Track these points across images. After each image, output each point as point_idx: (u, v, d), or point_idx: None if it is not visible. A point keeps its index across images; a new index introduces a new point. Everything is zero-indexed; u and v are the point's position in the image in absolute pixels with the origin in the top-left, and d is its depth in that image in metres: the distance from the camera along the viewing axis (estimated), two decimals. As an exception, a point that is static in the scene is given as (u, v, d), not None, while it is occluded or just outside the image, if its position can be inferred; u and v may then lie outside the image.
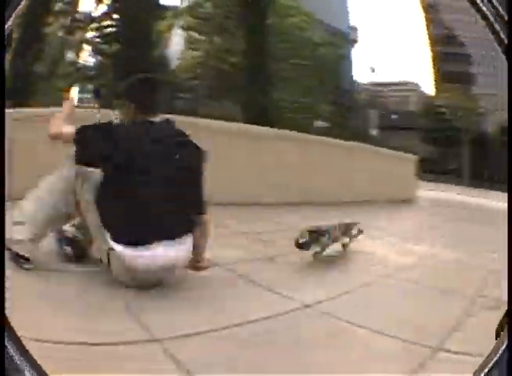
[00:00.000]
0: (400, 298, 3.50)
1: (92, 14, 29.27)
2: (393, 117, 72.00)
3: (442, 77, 63.12)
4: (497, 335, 1.44)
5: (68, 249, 3.25)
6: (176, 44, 40.73)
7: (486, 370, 1.33)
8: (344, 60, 53.26)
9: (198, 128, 7.23)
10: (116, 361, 1.85)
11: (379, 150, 13.73)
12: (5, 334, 1.29)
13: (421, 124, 53.80)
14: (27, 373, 1.28)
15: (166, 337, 2.17)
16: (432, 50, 68.52)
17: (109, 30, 29.02)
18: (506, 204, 1.58)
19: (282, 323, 2.59)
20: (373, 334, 2.53)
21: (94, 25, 29.56)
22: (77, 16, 28.40)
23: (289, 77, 40.24)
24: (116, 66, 26.80)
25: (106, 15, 28.86)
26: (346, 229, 4.76)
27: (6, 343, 1.27)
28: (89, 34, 30.24)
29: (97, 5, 28.94)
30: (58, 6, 27.34)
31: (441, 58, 67.09)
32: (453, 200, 15.90)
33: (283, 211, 7.40)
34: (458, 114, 29.39)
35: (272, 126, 13.21)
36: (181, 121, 3.54)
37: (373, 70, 35.16)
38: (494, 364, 1.33)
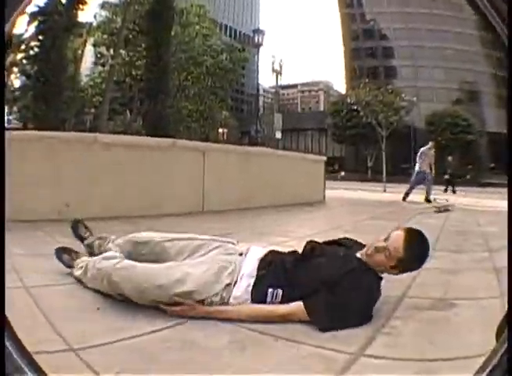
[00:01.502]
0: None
1: (23, 36, 29.16)
2: (302, 118, 73.12)
3: (358, 73, 64.33)
4: (497, 337, 1.38)
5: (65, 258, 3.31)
6: (88, 61, 41.24)
7: (486, 373, 1.28)
8: (249, 64, 53.68)
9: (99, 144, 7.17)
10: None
11: (286, 153, 13.67)
12: (5, 333, 1.29)
13: (332, 124, 54.37)
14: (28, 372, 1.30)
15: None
16: (348, 46, 69.84)
17: (34, 51, 28.83)
18: (506, 206, 1.46)
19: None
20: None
21: (23, 47, 29.56)
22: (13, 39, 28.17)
23: (189, 86, 40.56)
24: (34, 87, 27.21)
25: (35, 36, 28.44)
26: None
27: (6, 343, 1.28)
28: (18, 56, 30.33)
29: (27, 26, 28.58)
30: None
31: (358, 54, 68.54)
32: (363, 199, 15.72)
33: (184, 221, 7.10)
34: (375, 110, 29.68)
35: (173, 136, 12.77)
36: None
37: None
38: (494, 366, 1.27)
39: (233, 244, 3.03)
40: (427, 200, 14.24)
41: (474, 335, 2.41)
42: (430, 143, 15.65)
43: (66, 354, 2.05)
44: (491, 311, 2.79)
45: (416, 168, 15.06)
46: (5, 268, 1.42)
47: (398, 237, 2.69)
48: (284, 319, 2.50)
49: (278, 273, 2.67)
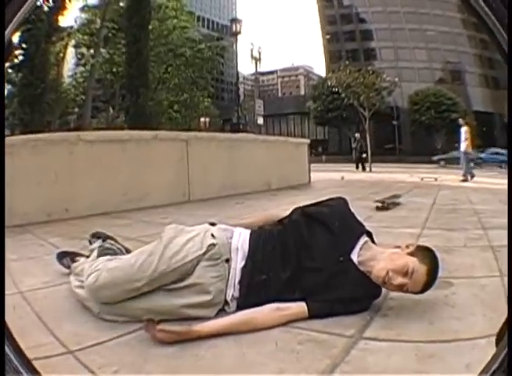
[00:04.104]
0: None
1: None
2: (283, 103, 73.01)
3: (338, 56, 64.22)
4: (497, 342, 1.38)
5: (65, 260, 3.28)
6: (69, 62, 41.60)
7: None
8: (228, 53, 53.59)
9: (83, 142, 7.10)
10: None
11: (269, 138, 13.89)
12: (5, 335, 1.29)
13: (314, 107, 54.12)
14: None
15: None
16: (326, 31, 69.54)
17: (19, 59, 29.25)
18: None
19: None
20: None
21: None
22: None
23: (169, 77, 40.77)
24: (20, 93, 27.79)
25: (18, 45, 28.75)
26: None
27: (5, 345, 1.28)
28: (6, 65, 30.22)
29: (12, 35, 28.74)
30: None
31: (336, 37, 68.30)
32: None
33: (171, 211, 7.18)
34: (356, 92, 29.73)
35: (156, 128, 12.74)
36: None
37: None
38: (494, 371, 1.27)
39: (213, 236, 2.56)
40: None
41: (473, 315, 2.39)
42: (462, 120, 15.72)
43: (65, 357, 2.02)
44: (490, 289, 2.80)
45: (463, 148, 15.32)
46: (4, 273, 1.43)
47: (420, 278, 2.37)
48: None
49: (262, 296, 2.44)
